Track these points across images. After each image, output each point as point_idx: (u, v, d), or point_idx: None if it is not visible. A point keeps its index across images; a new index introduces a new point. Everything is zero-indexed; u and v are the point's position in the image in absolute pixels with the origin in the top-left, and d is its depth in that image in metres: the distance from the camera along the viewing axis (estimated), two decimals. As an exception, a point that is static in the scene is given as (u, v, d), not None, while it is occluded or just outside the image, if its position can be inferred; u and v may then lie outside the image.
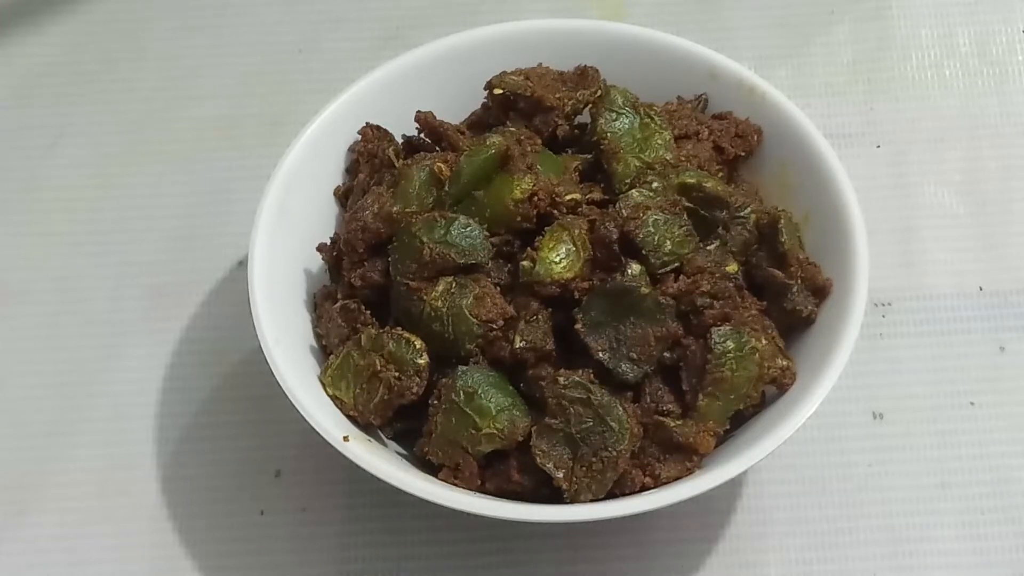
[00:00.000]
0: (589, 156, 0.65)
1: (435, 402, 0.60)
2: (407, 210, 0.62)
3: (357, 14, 0.83)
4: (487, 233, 0.61)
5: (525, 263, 0.60)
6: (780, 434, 0.59)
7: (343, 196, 0.67)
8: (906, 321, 0.72)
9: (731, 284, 0.62)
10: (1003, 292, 0.73)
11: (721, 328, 0.60)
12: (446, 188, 0.62)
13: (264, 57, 0.82)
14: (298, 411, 0.60)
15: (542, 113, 0.65)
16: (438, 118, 0.66)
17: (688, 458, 0.60)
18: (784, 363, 0.61)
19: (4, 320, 0.73)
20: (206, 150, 0.78)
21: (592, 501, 0.59)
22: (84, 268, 0.75)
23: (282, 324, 0.62)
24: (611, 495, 0.59)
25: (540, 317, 0.60)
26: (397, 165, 0.64)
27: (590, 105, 0.66)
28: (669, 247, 0.61)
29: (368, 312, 0.62)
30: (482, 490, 0.60)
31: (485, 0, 0.83)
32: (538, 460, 0.59)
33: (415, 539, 0.66)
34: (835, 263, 0.63)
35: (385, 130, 0.68)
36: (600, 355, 0.60)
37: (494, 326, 0.60)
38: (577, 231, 0.60)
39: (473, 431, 0.59)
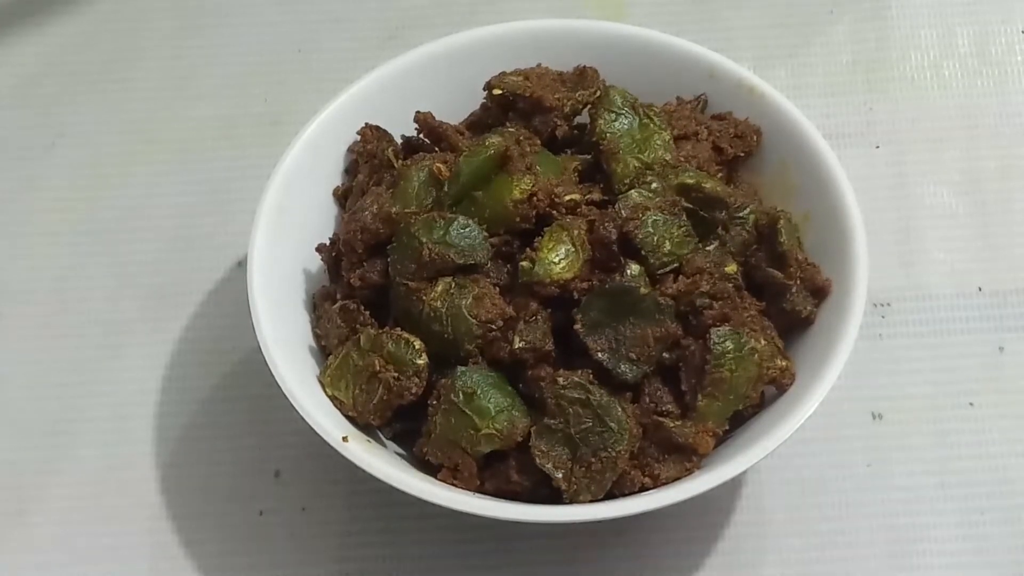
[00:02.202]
0: (588, 156, 0.65)
1: (434, 402, 0.60)
2: (406, 210, 0.62)
3: (357, 14, 0.83)
4: (486, 233, 0.61)
5: (524, 263, 0.60)
6: (779, 434, 0.59)
7: (342, 196, 0.67)
8: (906, 321, 0.72)
9: (730, 284, 0.62)
10: (1003, 292, 0.73)
11: (720, 328, 0.60)
12: (445, 188, 0.62)
13: (264, 57, 0.82)
14: (297, 411, 0.60)
15: (541, 113, 0.65)
16: (437, 118, 0.66)
17: (687, 458, 0.60)
18: (783, 363, 0.61)
19: (4, 320, 0.73)
20: (206, 150, 0.78)
21: (591, 501, 0.59)
22: (84, 268, 0.75)
23: (281, 324, 0.62)
24: (610, 495, 0.59)
25: (539, 317, 0.60)
26: (396, 165, 0.64)
27: (589, 105, 0.66)
28: (668, 247, 0.61)
29: (367, 312, 0.62)
30: (481, 490, 0.60)
31: (484, 0, 0.83)
32: (537, 460, 0.59)
33: (414, 539, 0.66)
34: (835, 263, 0.63)
35: (384, 130, 0.68)
36: (599, 355, 0.60)
37: (493, 326, 0.60)
38: (576, 231, 0.60)
39: (472, 431, 0.59)
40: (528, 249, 0.61)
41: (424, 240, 0.61)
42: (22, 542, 0.67)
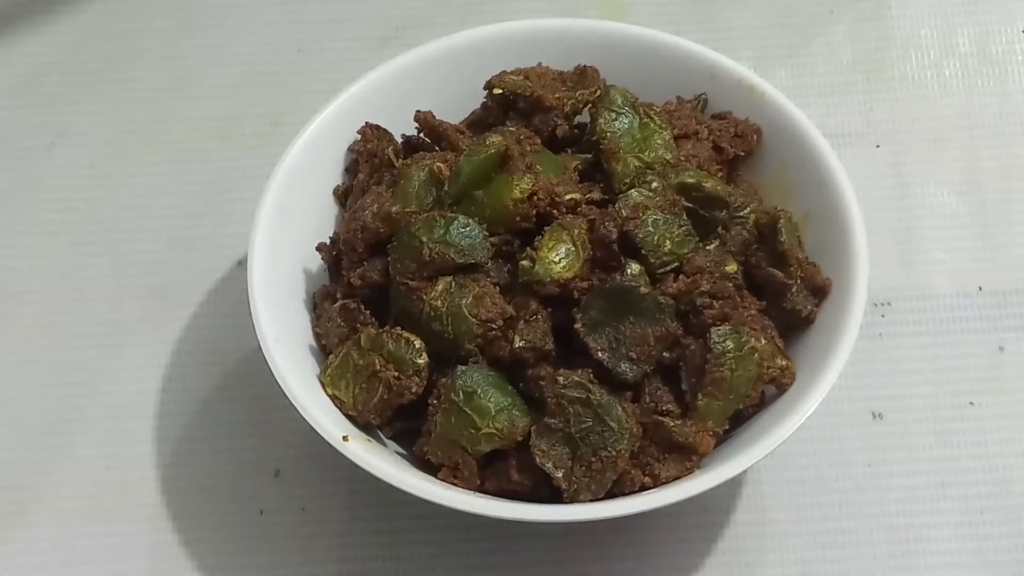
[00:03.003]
0: (589, 156, 0.65)
1: (434, 402, 0.60)
2: (406, 210, 0.62)
3: (357, 14, 0.83)
4: (486, 233, 0.61)
5: (525, 263, 0.60)
6: (779, 434, 0.59)
7: (343, 196, 0.67)
8: (906, 321, 0.72)
9: (730, 284, 0.62)
10: (1003, 292, 0.73)
11: (720, 328, 0.60)
12: (445, 188, 0.62)
13: (264, 57, 0.82)
14: (297, 411, 0.60)
15: (542, 113, 0.65)
16: (438, 118, 0.66)
17: (687, 458, 0.60)
18: (783, 363, 0.61)
19: (4, 320, 0.73)
20: (206, 150, 0.78)
21: (591, 501, 0.59)
22: (84, 268, 0.75)
23: (281, 324, 0.62)
24: (610, 495, 0.59)
25: (539, 317, 0.60)
26: (397, 165, 0.65)
27: (590, 105, 0.66)
28: (668, 247, 0.61)
29: (367, 312, 0.62)
30: (481, 490, 0.60)
31: (485, 0, 0.83)
32: (537, 460, 0.59)
33: (415, 539, 0.66)
34: (835, 263, 0.63)
35: (385, 130, 0.68)
36: (599, 355, 0.60)
37: (493, 326, 0.60)
38: (576, 231, 0.60)
39: (472, 431, 0.59)
40: (528, 248, 0.61)
41: (424, 239, 0.61)
42: (22, 542, 0.67)
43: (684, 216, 0.62)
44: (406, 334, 0.60)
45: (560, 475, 0.59)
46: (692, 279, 0.61)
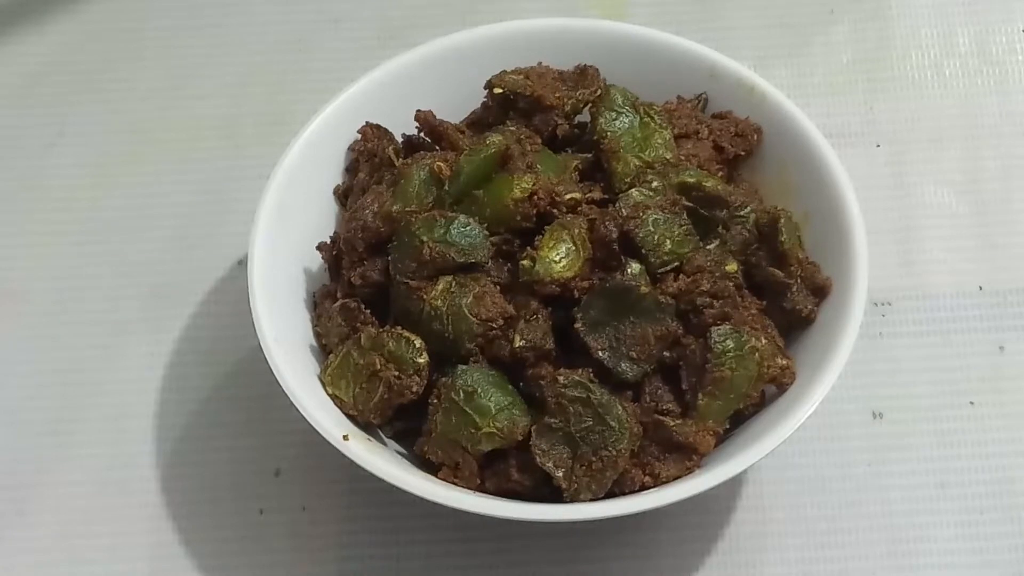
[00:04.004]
0: (589, 155, 0.65)
1: (435, 401, 0.60)
2: (407, 209, 0.62)
3: (357, 14, 0.83)
4: (487, 232, 0.61)
5: (525, 262, 0.60)
6: (780, 433, 0.59)
7: (343, 195, 0.67)
8: (906, 321, 0.72)
9: (731, 283, 0.62)
10: (1003, 292, 0.73)
11: (721, 327, 0.60)
12: (446, 187, 0.62)
13: (264, 57, 0.82)
14: (298, 410, 0.60)
15: (542, 112, 0.65)
16: (438, 117, 0.66)
17: (688, 457, 0.60)
18: (784, 362, 0.61)
19: (4, 320, 0.73)
20: (206, 149, 0.78)
21: (592, 500, 0.59)
22: (84, 268, 0.75)
23: (282, 323, 0.62)
24: (611, 494, 0.59)
25: (540, 316, 0.60)
26: (397, 164, 0.65)
27: (590, 104, 0.66)
28: (669, 246, 0.61)
29: (368, 311, 0.62)
30: (482, 489, 0.60)
31: (485, 0, 0.83)
32: (538, 459, 0.59)
33: (415, 538, 0.66)
34: (835, 262, 0.63)
35: (385, 129, 0.68)
36: (600, 354, 0.60)
37: (494, 325, 0.60)
38: (577, 230, 0.60)
39: (473, 430, 0.59)
40: (529, 248, 0.61)
41: (425, 239, 0.61)
42: (22, 542, 0.67)
43: (684, 216, 0.62)
44: (406, 333, 0.60)
45: (560, 475, 0.59)
46: (692, 279, 0.61)
